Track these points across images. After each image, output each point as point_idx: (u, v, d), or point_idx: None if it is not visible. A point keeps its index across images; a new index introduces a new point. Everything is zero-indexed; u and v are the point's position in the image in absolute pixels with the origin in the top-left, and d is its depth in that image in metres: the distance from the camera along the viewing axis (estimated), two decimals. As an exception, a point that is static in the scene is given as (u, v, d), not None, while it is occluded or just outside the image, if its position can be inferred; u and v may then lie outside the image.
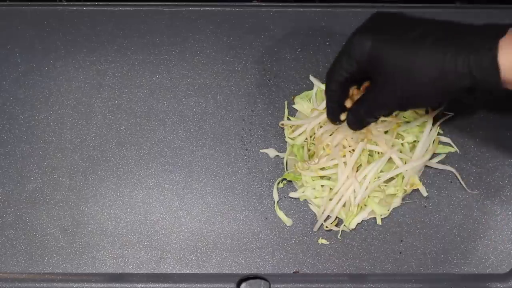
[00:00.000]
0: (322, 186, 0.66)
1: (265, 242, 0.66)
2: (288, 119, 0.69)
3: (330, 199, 0.65)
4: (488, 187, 0.67)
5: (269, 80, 0.70)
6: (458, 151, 0.68)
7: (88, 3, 0.72)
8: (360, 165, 0.65)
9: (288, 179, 0.67)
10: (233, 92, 0.70)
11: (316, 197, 0.66)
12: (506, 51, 0.49)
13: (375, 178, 0.64)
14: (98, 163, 0.68)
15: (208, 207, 0.67)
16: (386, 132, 0.66)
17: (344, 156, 0.65)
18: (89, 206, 0.67)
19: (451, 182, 0.67)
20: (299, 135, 0.67)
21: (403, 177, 0.65)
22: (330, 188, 0.65)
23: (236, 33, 0.71)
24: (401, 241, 0.66)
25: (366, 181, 0.64)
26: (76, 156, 0.68)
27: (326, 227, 0.66)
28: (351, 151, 0.65)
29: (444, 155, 0.68)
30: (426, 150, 0.66)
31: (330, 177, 0.66)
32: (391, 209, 0.66)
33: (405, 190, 0.66)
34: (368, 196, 0.65)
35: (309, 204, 0.67)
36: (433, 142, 0.66)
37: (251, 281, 0.65)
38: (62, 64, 0.71)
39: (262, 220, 0.67)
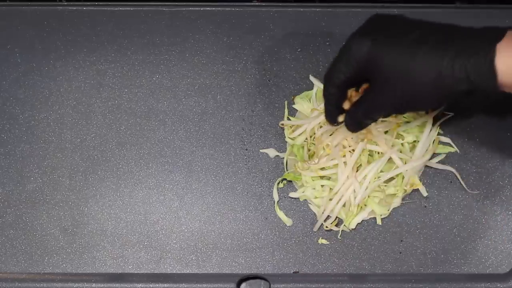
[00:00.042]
0: (322, 186, 0.66)
1: (265, 242, 0.66)
2: (288, 119, 0.69)
3: (330, 199, 0.65)
4: (488, 187, 0.67)
5: (269, 80, 0.70)
6: (458, 151, 0.68)
7: (88, 3, 0.72)
8: (360, 165, 0.65)
9: (288, 179, 0.67)
10: (233, 92, 0.70)
11: (316, 197, 0.66)
12: (503, 55, 0.49)
13: (375, 178, 0.65)
14: (98, 163, 0.68)
15: (208, 207, 0.67)
16: (386, 132, 0.66)
17: (344, 156, 0.65)
18: (89, 206, 0.67)
19: (451, 182, 0.67)
20: (299, 135, 0.67)
21: (403, 177, 0.65)
22: (330, 188, 0.65)
23: (236, 33, 0.71)
24: (401, 241, 0.66)
25: (366, 181, 0.64)
26: (76, 156, 0.68)
27: (326, 227, 0.66)
28: (351, 151, 0.65)
29: (444, 155, 0.68)
30: (426, 150, 0.66)
31: (330, 177, 0.66)
32: (391, 209, 0.66)
33: (405, 190, 0.66)
34: (368, 196, 0.65)
35: (309, 204, 0.67)
36: (433, 142, 0.66)
37: (251, 281, 0.65)
38: (62, 64, 0.71)
39: (262, 220, 0.67)
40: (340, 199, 0.65)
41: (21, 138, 0.69)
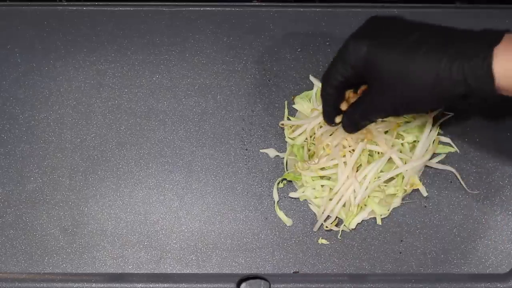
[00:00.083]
0: (322, 186, 0.66)
1: (265, 242, 0.66)
2: (288, 119, 0.69)
3: (330, 199, 0.65)
4: (488, 187, 0.67)
5: (269, 80, 0.70)
6: (458, 151, 0.68)
7: (88, 3, 0.72)
8: (360, 165, 0.65)
9: (288, 179, 0.67)
10: (233, 92, 0.70)
11: (316, 197, 0.66)
12: (501, 58, 0.49)
13: (375, 178, 0.64)
14: (98, 163, 0.68)
15: (208, 207, 0.67)
16: (386, 132, 0.66)
17: (344, 156, 0.65)
18: (89, 206, 0.67)
19: (451, 182, 0.67)
20: (299, 135, 0.67)
21: (403, 177, 0.65)
22: (330, 188, 0.65)
23: (236, 33, 0.71)
24: (401, 241, 0.66)
25: (366, 181, 0.64)
26: (76, 156, 0.68)
27: (326, 227, 0.66)
28: (351, 151, 0.65)
29: (444, 155, 0.68)
30: (426, 150, 0.66)
31: (330, 177, 0.66)
32: (391, 209, 0.66)
33: (405, 190, 0.66)
34: (368, 196, 0.65)
35: (309, 204, 0.67)
36: (433, 142, 0.66)
37: (251, 281, 0.65)
38: (62, 64, 0.71)
39: (262, 220, 0.67)
40: (340, 199, 0.65)
41: (21, 138, 0.69)
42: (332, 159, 0.65)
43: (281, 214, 0.67)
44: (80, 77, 0.70)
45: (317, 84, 0.69)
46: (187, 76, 0.70)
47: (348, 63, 0.54)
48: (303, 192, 0.66)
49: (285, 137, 0.68)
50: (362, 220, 0.66)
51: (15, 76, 0.70)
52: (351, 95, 0.59)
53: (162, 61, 0.71)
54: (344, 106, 0.59)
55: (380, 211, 0.66)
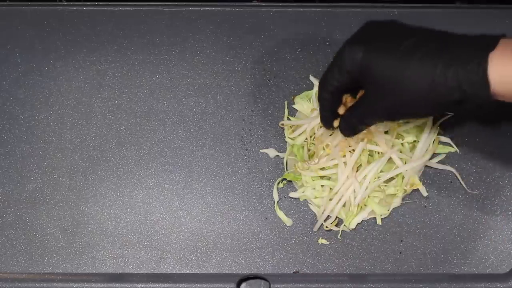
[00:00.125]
0: (322, 186, 0.66)
1: (265, 242, 0.66)
2: (288, 119, 0.69)
3: (330, 199, 0.65)
4: (488, 187, 0.67)
5: (269, 80, 0.70)
6: (458, 151, 0.68)
7: (88, 3, 0.72)
8: (360, 165, 0.65)
9: (288, 179, 0.67)
10: (233, 92, 0.70)
11: (316, 197, 0.66)
12: (496, 63, 0.48)
13: (375, 178, 0.64)
14: (98, 163, 0.68)
15: (208, 207, 0.67)
16: (386, 132, 0.66)
17: (344, 156, 0.65)
18: (89, 206, 0.67)
19: (451, 182, 0.67)
20: (299, 135, 0.67)
21: (403, 177, 0.65)
22: (330, 188, 0.65)
23: (236, 33, 0.71)
24: (401, 241, 0.66)
25: (366, 181, 0.64)
26: (76, 156, 0.68)
27: (326, 227, 0.66)
28: (351, 151, 0.65)
29: (444, 155, 0.68)
30: (426, 150, 0.66)
31: (330, 177, 0.66)
32: (391, 209, 0.66)
33: (405, 190, 0.66)
34: (368, 196, 0.65)
35: (309, 204, 0.67)
36: (433, 142, 0.66)
37: (251, 281, 0.65)
38: (62, 64, 0.71)
39: (262, 220, 0.67)
40: (340, 199, 0.65)
41: (21, 138, 0.69)
42: (332, 159, 0.65)
43: (281, 214, 0.67)
44: (80, 77, 0.70)
45: (317, 84, 0.69)
46: (187, 76, 0.70)
47: (344, 68, 0.54)
48: (303, 192, 0.66)
49: (285, 137, 0.68)
50: (362, 220, 0.66)
51: (15, 76, 0.70)
52: (348, 99, 0.59)
53: (162, 61, 0.71)
54: (341, 110, 0.59)
55: (380, 211, 0.66)
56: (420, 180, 0.66)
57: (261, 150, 0.68)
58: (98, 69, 0.70)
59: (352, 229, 0.66)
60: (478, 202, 0.67)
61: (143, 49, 0.71)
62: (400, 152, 0.65)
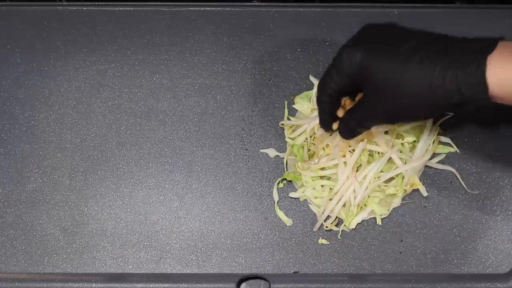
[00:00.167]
0: (322, 186, 0.66)
1: (265, 242, 0.66)
2: (288, 119, 0.69)
3: (330, 199, 0.65)
4: (488, 187, 0.67)
5: (269, 80, 0.70)
6: (458, 151, 0.68)
7: (88, 3, 0.72)
8: (360, 165, 0.65)
9: (288, 179, 0.67)
10: (233, 92, 0.70)
11: (316, 197, 0.66)
12: (494, 66, 0.48)
13: (375, 178, 0.64)
14: (98, 163, 0.68)
15: (208, 207, 0.67)
16: (386, 132, 0.66)
17: (344, 156, 0.65)
18: (89, 206, 0.67)
19: (451, 182, 0.67)
20: (299, 135, 0.67)
21: (403, 177, 0.65)
22: (330, 188, 0.65)
23: (236, 33, 0.71)
24: (401, 241, 0.66)
25: (366, 181, 0.64)
26: (76, 156, 0.68)
27: (326, 227, 0.66)
28: (351, 151, 0.65)
29: (444, 155, 0.68)
30: (426, 150, 0.66)
31: (330, 177, 0.66)
32: (391, 209, 0.66)
33: (405, 190, 0.66)
34: (368, 196, 0.65)
35: (309, 204, 0.67)
36: (433, 142, 0.66)
37: (251, 281, 0.65)
38: (62, 64, 0.71)
39: (262, 220, 0.67)
40: (340, 199, 0.65)
41: (21, 138, 0.69)
42: (332, 159, 0.65)
43: (281, 214, 0.67)
44: (80, 77, 0.70)
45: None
46: (187, 76, 0.70)
47: (343, 72, 0.54)
48: (303, 192, 0.66)
49: (285, 137, 0.68)
50: (362, 220, 0.66)
51: (15, 76, 0.70)
52: (347, 102, 0.60)
53: (162, 61, 0.71)
54: (340, 113, 0.60)
55: (380, 211, 0.66)
56: (420, 180, 0.66)
57: (261, 150, 0.68)
58: (98, 69, 0.70)
59: (352, 229, 0.66)
60: (478, 202, 0.67)
61: (143, 49, 0.71)
62: (400, 152, 0.65)
